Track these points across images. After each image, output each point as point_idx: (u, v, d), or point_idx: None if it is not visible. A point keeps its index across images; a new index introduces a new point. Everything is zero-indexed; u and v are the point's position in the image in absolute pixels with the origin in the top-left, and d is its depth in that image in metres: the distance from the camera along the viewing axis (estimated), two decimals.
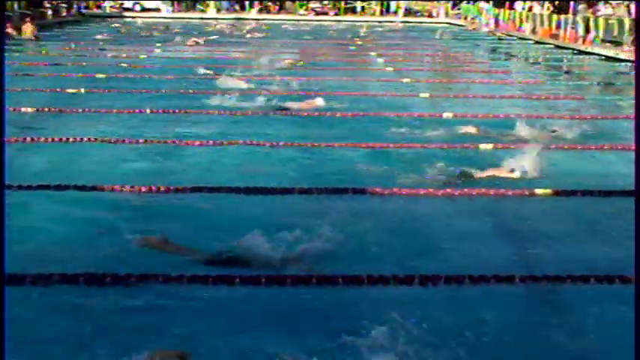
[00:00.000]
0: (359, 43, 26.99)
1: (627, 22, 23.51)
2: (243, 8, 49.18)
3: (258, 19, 43.31)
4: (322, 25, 39.89)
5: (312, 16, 47.35)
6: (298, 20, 44.48)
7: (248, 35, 30.22)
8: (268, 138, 9.41)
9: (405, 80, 15.57)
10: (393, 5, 50.82)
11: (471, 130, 10.27)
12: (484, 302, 4.65)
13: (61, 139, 8.87)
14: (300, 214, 6.34)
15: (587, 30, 26.26)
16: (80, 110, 11.19)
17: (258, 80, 15.09)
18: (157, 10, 46.57)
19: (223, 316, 4.38)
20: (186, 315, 4.39)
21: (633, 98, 14.54)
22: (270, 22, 41.71)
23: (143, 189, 6.87)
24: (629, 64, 20.81)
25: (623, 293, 4.73)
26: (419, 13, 50.53)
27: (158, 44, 24.28)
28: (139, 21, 39.81)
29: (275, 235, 5.39)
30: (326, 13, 48.84)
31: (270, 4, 50.37)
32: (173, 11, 46.57)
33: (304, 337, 4.06)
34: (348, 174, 7.83)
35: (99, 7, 46.47)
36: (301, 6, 49.82)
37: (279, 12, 49.26)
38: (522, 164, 7.76)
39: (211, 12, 46.68)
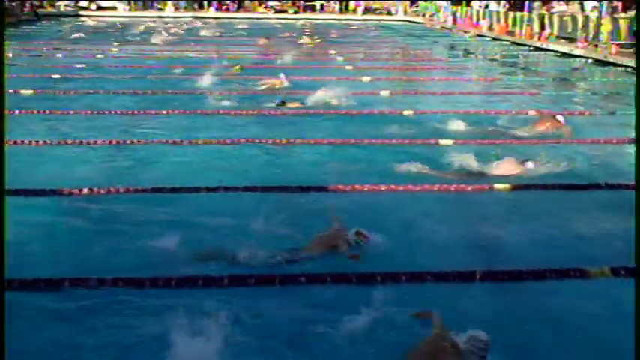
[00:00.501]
0: (318, 41, 26.96)
1: (580, 19, 23.95)
2: (201, 7, 48.76)
3: (216, 18, 42.99)
4: (281, 23, 39.75)
5: (271, 15, 47.19)
6: (257, 19, 44.28)
7: (206, 34, 29.95)
8: (229, 136, 9.37)
9: (365, 78, 15.62)
10: (352, 3, 50.92)
11: (431, 126, 10.37)
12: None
13: (16, 142, 8.67)
14: (261, 212, 6.31)
15: (542, 27, 26.68)
16: (36, 112, 10.98)
17: (218, 79, 14.99)
18: (114, 8, 45.91)
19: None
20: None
21: (588, 93, 14.89)
22: (229, 20, 41.43)
23: (102, 191, 6.77)
24: (583, 59, 21.21)
25: (581, 286, 4.83)
26: (378, 11, 50.75)
27: (115, 43, 23.93)
28: (96, 20, 39.19)
29: (237, 233, 5.37)
30: (285, 11, 48.70)
31: (228, 2, 50.05)
32: (130, 10, 45.96)
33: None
34: (310, 171, 7.84)
35: (53, 5, 45.60)
36: (260, 4, 49.62)
37: (237, 10, 48.96)
38: (483, 160, 7.87)
39: (169, 10, 46.16)
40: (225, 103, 12.06)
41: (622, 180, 7.50)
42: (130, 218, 6.14)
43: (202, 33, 29.84)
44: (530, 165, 7.74)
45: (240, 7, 49.94)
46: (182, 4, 48.32)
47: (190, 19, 40.51)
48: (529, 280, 4.96)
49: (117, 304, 4.51)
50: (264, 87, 13.91)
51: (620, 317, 4.36)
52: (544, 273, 5.00)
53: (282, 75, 14.11)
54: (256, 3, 49.65)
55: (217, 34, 30.29)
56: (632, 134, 9.97)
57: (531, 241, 5.75)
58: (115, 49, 22.19)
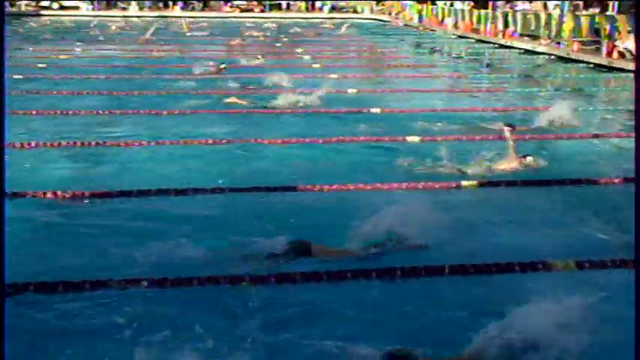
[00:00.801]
0: (285, 40, 26.94)
1: (543, 17, 24.28)
2: (166, 6, 48.35)
3: (181, 17, 42.67)
4: (248, 22, 39.61)
5: (237, 14, 47.00)
6: (223, 17, 44.06)
7: (173, 32, 29.73)
8: (196, 136, 9.30)
9: (333, 76, 15.64)
10: (318, 2, 50.95)
11: (398, 123, 10.42)
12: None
13: None
14: (232, 213, 6.30)
15: (506, 24, 27.00)
16: None
17: (185, 79, 14.90)
18: (77, 8, 45.28)
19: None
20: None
21: (552, 90, 15.09)
22: (194, 19, 41.15)
23: (67, 194, 6.64)
24: (547, 56, 21.52)
25: (543, 279, 4.89)
26: (344, 10, 50.87)
27: (78, 43, 23.61)
28: (58, 19, 38.60)
29: (205, 235, 5.33)
30: (251, 10, 48.53)
31: (194, 1, 49.69)
32: (93, 9, 45.37)
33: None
34: (279, 171, 7.82)
35: (13, 5, 44.80)
36: (226, 3, 49.35)
37: (203, 9, 48.65)
38: (450, 156, 7.92)
39: (133, 9, 45.68)
40: (193, 102, 11.98)
41: (586, 175, 7.61)
42: (95, 222, 6.05)
43: (169, 32, 29.60)
44: (530, 159, 7.79)
45: (205, 6, 49.63)
46: (147, 3, 47.86)
47: (154, 18, 40.11)
48: (497, 274, 5.00)
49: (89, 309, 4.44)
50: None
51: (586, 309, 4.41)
52: (513, 266, 5.05)
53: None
54: (222, 2, 49.37)
55: (185, 33, 30.07)
56: (595, 130, 10.16)
57: (499, 236, 5.80)
58: (79, 49, 21.89)
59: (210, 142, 9.01)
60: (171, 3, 48.39)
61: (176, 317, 4.28)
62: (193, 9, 48.37)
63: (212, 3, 49.97)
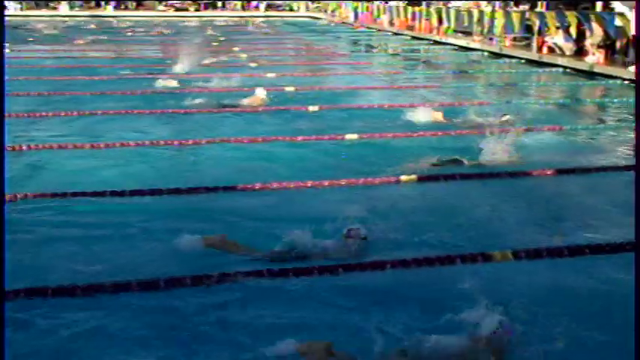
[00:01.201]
0: (221, 39, 26.72)
1: (476, 13, 24.76)
2: (98, 5, 47.30)
3: (115, 17, 41.83)
4: (182, 22, 39.12)
5: (171, 13, 46.35)
6: (157, 17, 43.39)
7: (103, 32, 29.12)
8: (133, 138, 9.14)
9: (270, 75, 15.60)
10: (254, 1, 50.71)
11: (337, 121, 10.47)
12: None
13: None
14: (170, 215, 6.22)
15: (440, 21, 27.43)
16: None
17: (119, 79, 14.63)
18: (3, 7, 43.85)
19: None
20: None
21: (486, 85, 15.40)
22: (128, 19, 40.40)
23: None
24: (480, 52, 21.96)
25: (481, 270, 5.00)
26: (280, 8, 50.79)
27: (7, 44, 22.86)
28: None
29: (144, 238, 5.25)
30: (186, 9, 47.95)
31: (127, 0, 48.77)
32: (22, 9, 44.01)
33: None
34: (219, 171, 7.75)
35: None
36: (160, 2, 48.60)
37: (137, 8, 47.79)
38: (386, 153, 8.01)
39: (63, 9, 44.49)
40: (130, 103, 11.76)
41: (520, 168, 7.81)
42: (29, 225, 5.89)
43: (101, 32, 28.98)
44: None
45: (139, 5, 48.77)
46: (78, 3, 46.70)
47: (87, 19, 39.20)
48: (440, 266, 5.08)
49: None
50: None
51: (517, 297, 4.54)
52: (454, 259, 5.14)
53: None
54: (156, 1, 48.60)
55: (117, 32, 29.49)
56: (527, 124, 10.41)
57: (440, 229, 5.88)
58: (7, 49, 21.20)
59: (147, 143, 8.87)
60: (103, 3, 47.36)
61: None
62: (126, 8, 47.48)
63: (146, 2, 49.12)
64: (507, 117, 10.79)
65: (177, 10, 47.44)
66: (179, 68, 16.11)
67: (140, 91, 13.07)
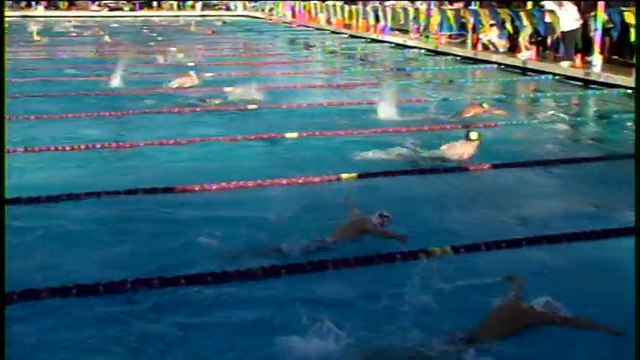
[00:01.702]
0: (158, 39, 26.34)
1: (411, 11, 25.09)
2: (29, 5, 45.97)
3: (46, 17, 40.73)
4: (117, 22, 38.40)
5: (106, 13, 45.43)
6: (91, 17, 42.46)
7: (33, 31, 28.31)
8: (69, 141, 8.89)
9: (208, 75, 15.45)
10: (189, 0, 50.17)
11: (276, 119, 10.46)
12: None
13: None
14: (108, 218, 6.10)
15: (377, 19, 27.68)
16: None
17: (51, 81, 14.26)
18: None
19: None
20: None
21: (423, 82, 15.61)
22: (60, 19, 39.39)
23: None
24: (417, 50, 22.26)
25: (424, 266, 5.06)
26: (217, 7, 50.39)
27: None
28: None
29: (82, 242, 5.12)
30: (120, 9, 47.08)
31: (59, 0, 47.54)
32: None
33: None
34: (157, 173, 7.63)
35: None
36: (94, 1, 47.55)
37: (69, 8, 46.65)
38: (326, 151, 8.04)
39: None
40: (67, 105, 11.46)
41: (457, 163, 7.93)
42: None
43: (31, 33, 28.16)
44: (473, 135, 8.10)
45: (71, 4, 47.63)
46: (8, 2, 45.26)
47: (18, 19, 38.07)
48: (381, 264, 5.11)
49: None
50: (175, 86, 13.34)
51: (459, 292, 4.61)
52: (394, 255, 5.18)
53: (192, 72, 13.87)
54: (89, 1, 47.54)
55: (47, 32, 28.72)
56: (464, 120, 10.60)
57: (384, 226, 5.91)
58: None
59: (82, 147, 8.66)
60: (34, 3, 46.06)
61: None
62: (57, 8, 46.27)
63: (79, 2, 48.00)
64: (443, 113, 11.00)
65: (112, 9, 46.55)
66: (114, 69, 15.80)
67: (74, 93, 12.77)
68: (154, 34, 28.83)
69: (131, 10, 47.27)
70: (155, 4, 50.21)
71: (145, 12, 46.86)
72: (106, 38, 26.05)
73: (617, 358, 3.95)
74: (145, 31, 31.53)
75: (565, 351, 4.03)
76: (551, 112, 11.39)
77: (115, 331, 4.17)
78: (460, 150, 8.08)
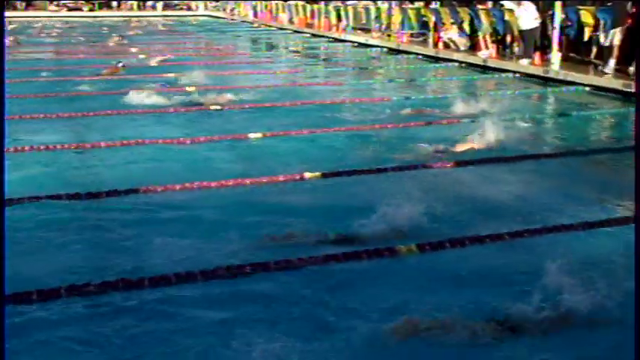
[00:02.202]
0: (118, 39, 26.01)
1: (373, 10, 25.20)
2: None
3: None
4: (77, 22, 37.84)
5: (64, 13, 44.72)
6: (49, 17, 41.76)
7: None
8: (28, 143, 8.73)
9: (170, 75, 15.32)
10: (150, 1, 49.67)
11: (240, 120, 10.41)
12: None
13: None
14: (71, 220, 6.02)
15: (338, 18, 27.74)
16: None
17: (10, 83, 13.97)
18: None
19: None
20: None
21: (386, 81, 15.69)
22: (17, 19, 38.66)
23: None
24: (379, 48, 22.37)
25: (393, 267, 5.09)
26: (178, 7, 49.99)
27: None
28: None
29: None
30: (79, 9, 46.40)
31: (17, 2, 46.64)
32: None
33: None
34: (120, 174, 7.54)
35: None
36: (51, 1, 46.76)
37: (26, 9, 45.82)
38: (290, 151, 8.03)
39: None
40: (24, 107, 11.25)
41: (421, 161, 8.00)
42: None
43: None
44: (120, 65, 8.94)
45: (29, 5, 46.78)
46: None
47: None
48: (344, 262, 5.12)
49: None
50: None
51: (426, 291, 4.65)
52: (360, 254, 5.19)
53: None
54: (47, 1, 46.74)
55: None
56: (426, 118, 10.69)
57: (346, 226, 5.93)
58: None
59: (42, 148, 8.51)
60: None
61: None
62: (14, 8, 45.40)
63: (36, 2, 47.17)
64: (406, 111, 11.08)
65: (70, 10, 45.84)
66: (74, 70, 15.59)
67: (33, 95, 12.55)
68: (114, 35, 28.45)
69: (90, 10, 46.61)
70: (115, 4, 49.59)
71: (104, 12, 46.27)
72: (65, 38, 25.65)
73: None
74: (104, 31, 31.12)
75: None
76: (512, 109, 11.55)
77: (75, 334, 4.12)
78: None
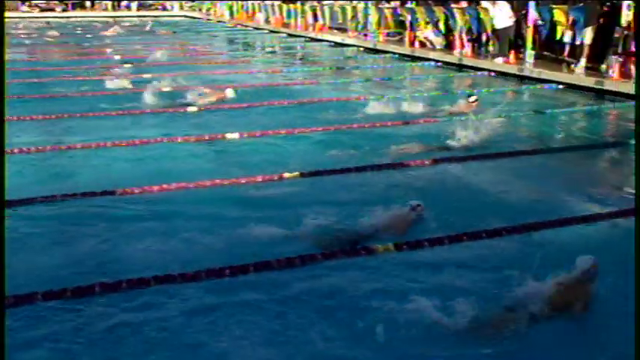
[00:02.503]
0: (93, 40, 25.79)
1: (349, 10, 25.25)
2: None
3: None
4: (50, 23, 37.43)
5: (36, 13, 44.22)
6: (21, 18, 41.25)
7: None
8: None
9: (146, 76, 15.22)
10: (124, 1, 49.28)
11: (217, 120, 10.37)
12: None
13: None
14: (47, 223, 5.96)
15: (315, 18, 27.75)
16: None
17: None
18: None
19: None
20: None
21: (362, 80, 15.71)
22: None
23: None
24: (355, 48, 22.42)
25: (368, 264, 5.10)
26: (153, 7, 49.65)
27: None
28: None
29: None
30: (52, 10, 45.89)
31: None
32: None
33: None
34: (98, 175, 7.48)
35: None
36: (24, 2, 46.20)
37: None
38: (268, 151, 8.02)
39: None
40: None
41: (399, 159, 8.03)
42: None
43: None
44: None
45: None
46: None
47: None
48: (324, 261, 5.13)
49: None
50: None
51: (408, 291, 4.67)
52: (336, 254, 5.20)
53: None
54: (18, 2, 46.16)
55: None
56: (404, 116, 10.73)
57: (325, 225, 5.93)
58: None
59: (15, 151, 8.41)
60: None
61: None
62: None
63: (7, 2, 46.54)
64: (385, 110, 11.11)
65: (43, 10, 45.31)
66: (47, 71, 15.43)
67: (7, 97, 12.39)
68: (89, 36, 28.22)
69: (64, 10, 46.12)
70: (88, 4, 49.12)
71: (78, 12, 45.81)
72: (38, 40, 25.36)
73: None
74: (78, 31, 30.83)
75: None
76: (488, 106, 11.64)
77: (50, 336, 4.09)
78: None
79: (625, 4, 13.53)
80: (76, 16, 43.46)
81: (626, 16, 13.47)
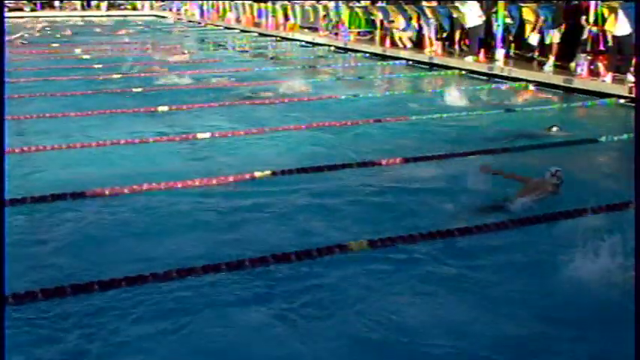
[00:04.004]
0: (63, 40, 25.50)
1: (321, 9, 25.27)
2: None
3: None
4: (17, 23, 36.90)
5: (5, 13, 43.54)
6: None
7: None
8: None
9: (115, 76, 15.09)
10: (94, 0, 48.77)
11: (187, 120, 10.33)
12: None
13: None
14: (16, 225, 5.89)
15: (286, 17, 27.73)
16: None
17: None
18: None
19: None
20: None
21: (334, 79, 15.76)
22: None
23: None
24: (326, 47, 22.46)
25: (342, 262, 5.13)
26: (123, 7, 49.20)
27: None
28: None
29: None
30: (21, 9, 45.24)
31: None
32: None
33: None
34: (82, 177, 7.40)
35: None
36: None
37: None
38: (239, 151, 8.01)
39: None
40: None
41: (371, 158, 8.07)
42: None
43: None
44: (555, 129, 9.51)
45: None
46: None
47: None
48: (297, 261, 5.13)
49: None
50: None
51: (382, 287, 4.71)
52: (311, 252, 5.21)
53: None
54: None
55: None
56: (376, 115, 10.77)
57: (299, 224, 5.94)
58: None
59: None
60: None
61: None
62: None
63: None
64: (358, 109, 11.15)
65: (11, 10, 44.62)
66: (15, 72, 15.22)
67: None
68: (57, 35, 27.89)
69: (32, 10, 45.49)
70: (57, 4, 48.52)
71: (47, 12, 45.22)
72: (8, 39, 24.99)
73: None
74: (48, 32, 30.45)
75: None
76: (459, 105, 11.74)
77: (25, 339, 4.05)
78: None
79: (592, 3, 13.74)
80: (46, 16, 42.87)
81: (594, 14, 13.68)
